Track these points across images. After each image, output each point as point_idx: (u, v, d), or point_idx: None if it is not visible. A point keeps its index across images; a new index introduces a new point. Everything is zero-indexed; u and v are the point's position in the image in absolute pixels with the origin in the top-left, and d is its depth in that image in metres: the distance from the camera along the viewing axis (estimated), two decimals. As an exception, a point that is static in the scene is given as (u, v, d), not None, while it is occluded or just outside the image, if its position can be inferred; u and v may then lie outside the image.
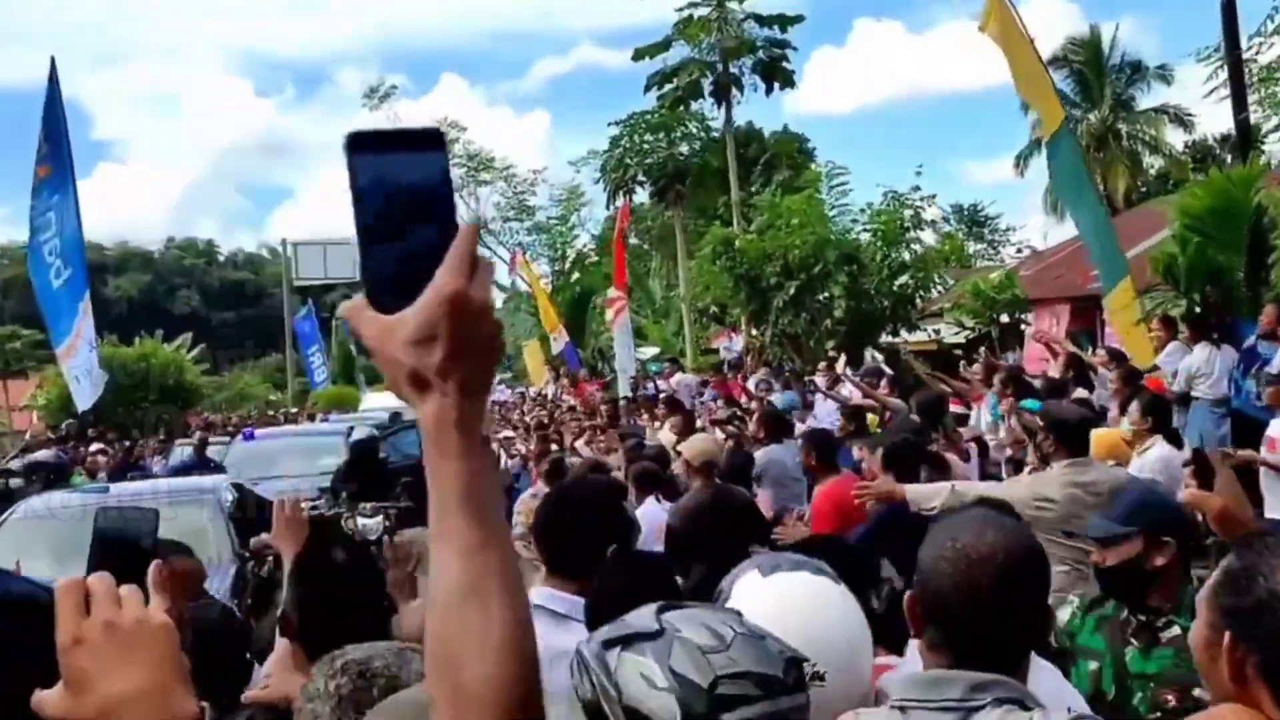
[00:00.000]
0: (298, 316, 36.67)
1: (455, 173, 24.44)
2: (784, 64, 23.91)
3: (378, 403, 22.97)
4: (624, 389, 17.39)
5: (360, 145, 0.93)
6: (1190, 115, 32.72)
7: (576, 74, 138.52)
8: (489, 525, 0.95)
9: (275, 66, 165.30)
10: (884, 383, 11.14)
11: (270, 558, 4.79)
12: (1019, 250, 24.96)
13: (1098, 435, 5.71)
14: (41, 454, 12.38)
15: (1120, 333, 9.98)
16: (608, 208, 28.08)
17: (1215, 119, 32.60)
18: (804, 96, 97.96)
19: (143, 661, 1.04)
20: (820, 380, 12.15)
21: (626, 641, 1.46)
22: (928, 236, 16.83)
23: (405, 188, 0.93)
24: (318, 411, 28.22)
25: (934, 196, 17.55)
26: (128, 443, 13.66)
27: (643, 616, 1.50)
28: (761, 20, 24.41)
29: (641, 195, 26.69)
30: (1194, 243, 10.12)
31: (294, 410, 30.01)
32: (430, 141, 0.95)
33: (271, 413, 29.97)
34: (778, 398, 12.70)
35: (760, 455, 7.41)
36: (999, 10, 9.68)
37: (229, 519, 7.85)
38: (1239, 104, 12.20)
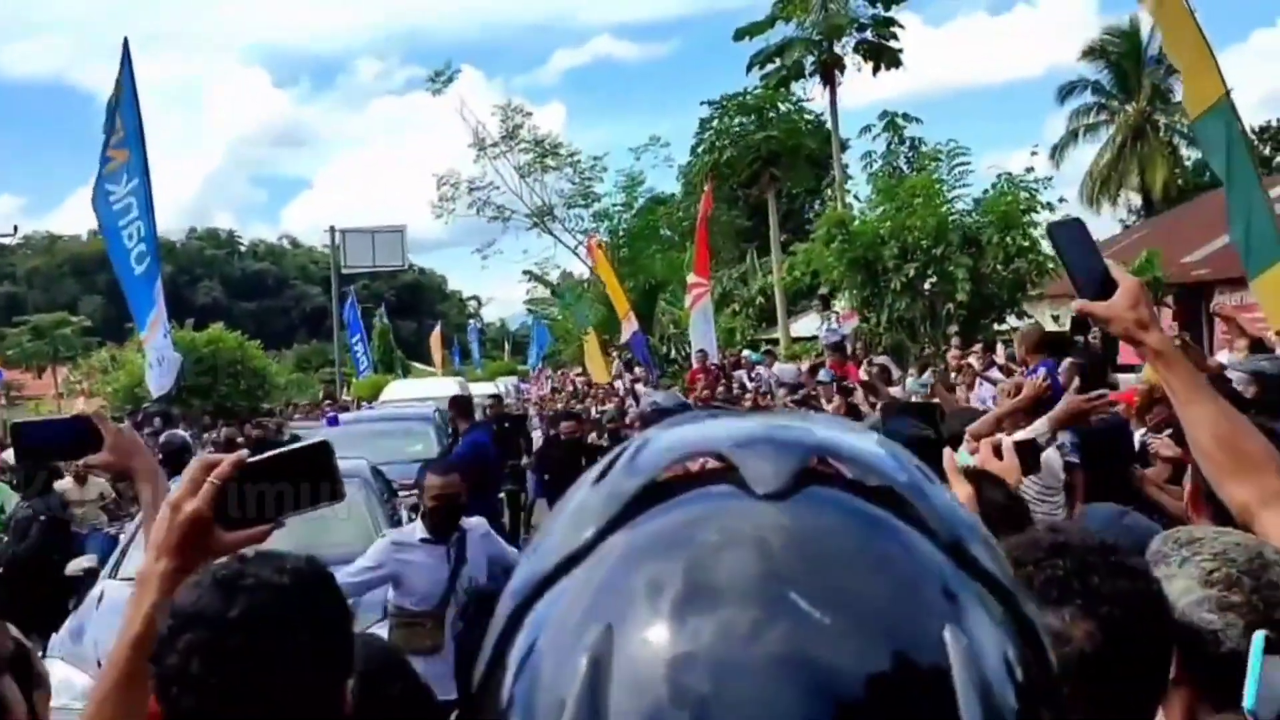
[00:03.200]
0: (344, 305, 36.04)
1: (522, 158, 23.32)
2: (891, 43, 23.14)
3: (401, 392, 21.22)
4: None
5: (1060, 228, 2.04)
6: (1229, 108, 31.69)
7: (593, 66, 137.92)
8: (1201, 383, 1.91)
9: (292, 58, 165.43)
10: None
11: None
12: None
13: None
14: (176, 432, 11.78)
15: (1274, 321, 9.19)
16: (697, 191, 27.13)
17: (1255, 110, 31.42)
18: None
19: None
20: (974, 362, 11.64)
21: None
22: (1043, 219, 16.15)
23: (1085, 249, 1.97)
24: (356, 400, 27.49)
25: (1050, 179, 16.91)
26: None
27: None
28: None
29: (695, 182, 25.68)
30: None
31: (349, 399, 29.32)
32: (1077, 225, 2.06)
33: (330, 401, 29.33)
34: (912, 381, 12.16)
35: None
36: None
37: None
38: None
